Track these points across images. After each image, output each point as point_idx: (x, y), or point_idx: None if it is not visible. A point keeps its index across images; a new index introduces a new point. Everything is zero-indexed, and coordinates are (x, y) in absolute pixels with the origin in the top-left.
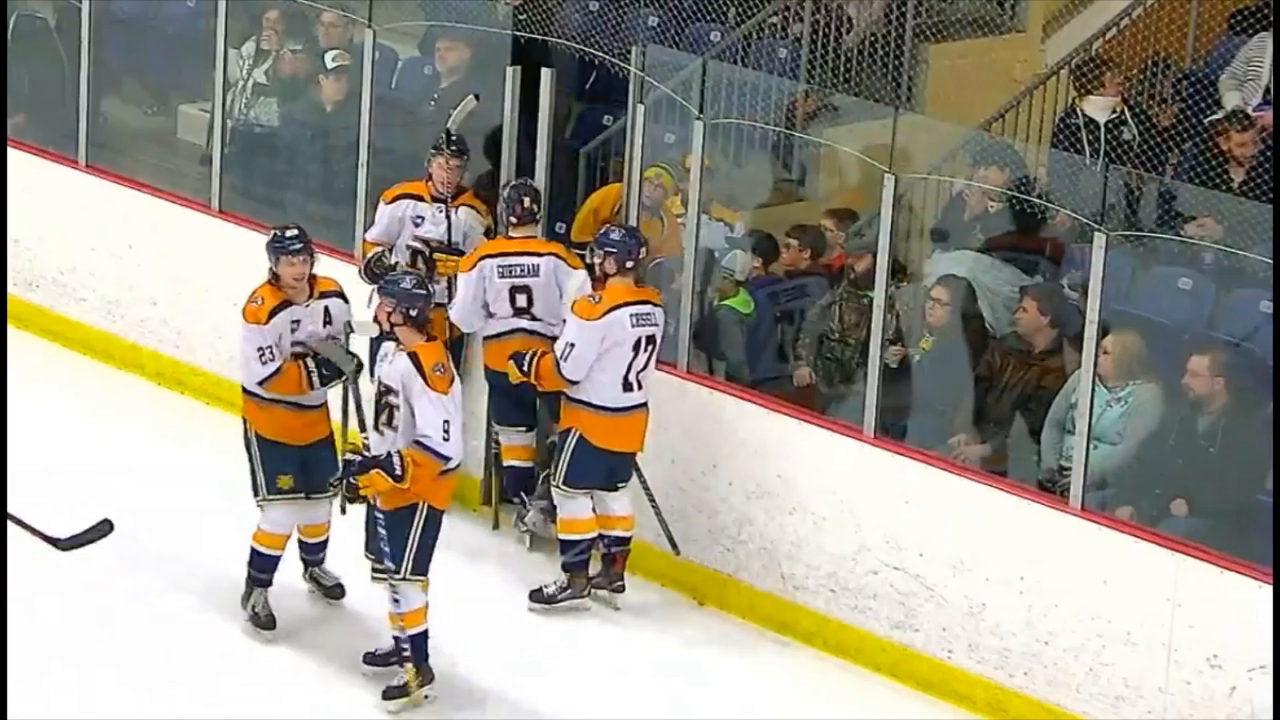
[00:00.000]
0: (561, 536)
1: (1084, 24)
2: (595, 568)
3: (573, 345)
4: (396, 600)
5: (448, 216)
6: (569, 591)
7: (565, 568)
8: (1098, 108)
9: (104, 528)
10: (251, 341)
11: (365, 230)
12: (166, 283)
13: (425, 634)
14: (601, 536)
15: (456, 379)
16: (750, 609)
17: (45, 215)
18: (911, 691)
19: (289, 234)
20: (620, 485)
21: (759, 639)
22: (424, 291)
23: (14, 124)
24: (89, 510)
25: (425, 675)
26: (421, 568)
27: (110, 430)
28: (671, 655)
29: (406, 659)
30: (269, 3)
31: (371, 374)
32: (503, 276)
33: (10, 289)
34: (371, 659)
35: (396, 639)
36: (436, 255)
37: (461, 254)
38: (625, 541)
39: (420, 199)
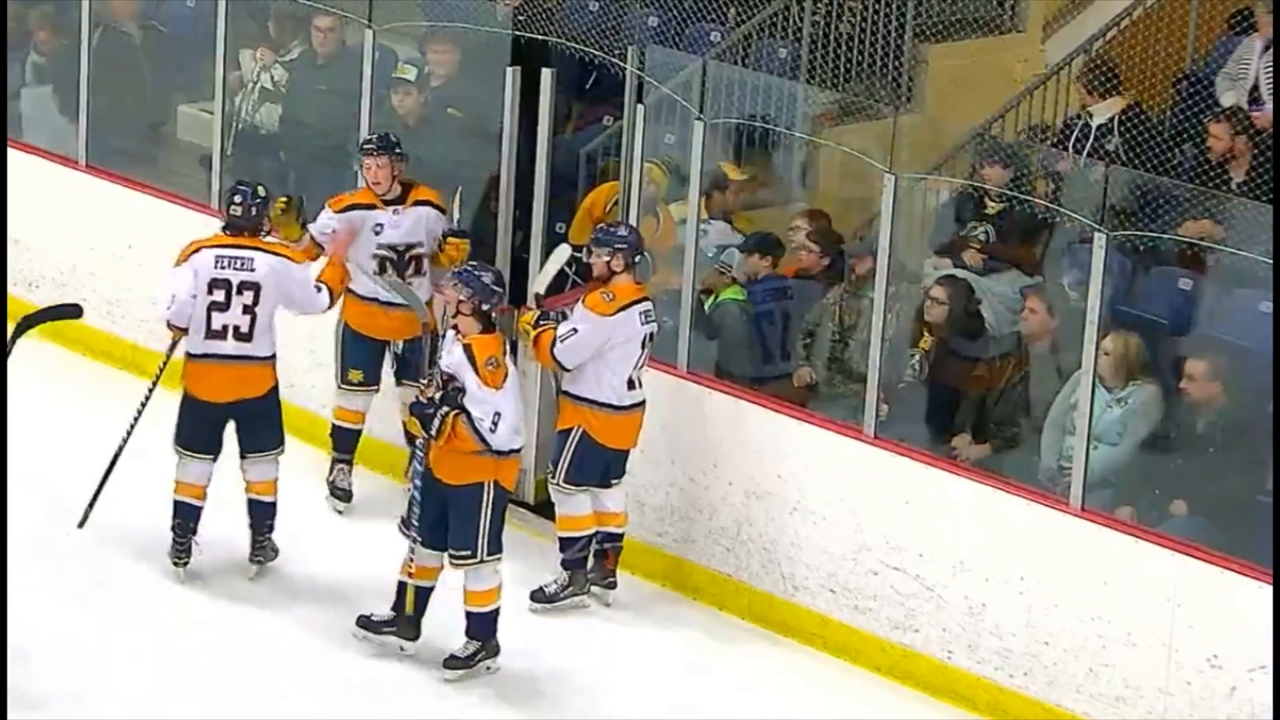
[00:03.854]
0: (561, 534)
1: (1084, 24)
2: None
3: (575, 332)
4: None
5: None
6: (570, 589)
7: (565, 565)
8: (1101, 112)
9: (73, 311)
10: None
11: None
12: None
13: (497, 611)
14: (595, 533)
15: (512, 371)
16: (750, 609)
17: (45, 215)
18: (911, 692)
19: None
20: (614, 482)
21: (759, 639)
22: (500, 289)
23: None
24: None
25: (492, 649)
26: (497, 546)
27: (110, 431)
28: (672, 655)
29: (475, 637)
30: (269, 3)
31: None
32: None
33: (10, 289)
34: (365, 622)
35: (469, 614)
36: (450, 240)
37: (466, 236)
38: (618, 538)
39: (372, 207)
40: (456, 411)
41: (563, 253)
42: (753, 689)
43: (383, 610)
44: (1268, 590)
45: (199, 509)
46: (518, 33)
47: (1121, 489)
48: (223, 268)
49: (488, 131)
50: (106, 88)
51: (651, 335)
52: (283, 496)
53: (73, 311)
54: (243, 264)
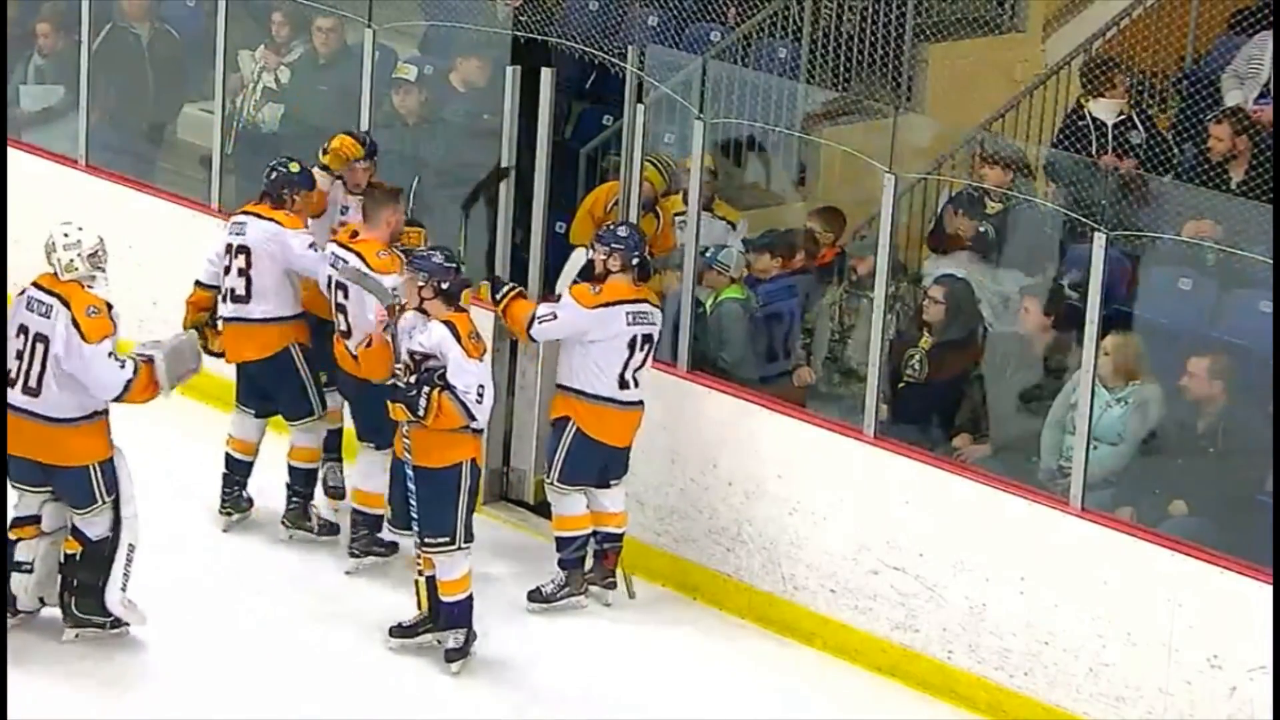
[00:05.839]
0: (557, 534)
1: (1084, 24)
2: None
3: (554, 316)
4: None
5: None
6: (567, 589)
7: (562, 565)
8: (1105, 109)
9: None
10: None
11: None
12: (166, 283)
13: (472, 597)
14: (594, 533)
15: (487, 349)
16: (750, 609)
17: (45, 215)
18: (911, 692)
19: None
20: (613, 482)
21: (759, 639)
22: (454, 265)
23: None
24: None
25: (472, 637)
26: (471, 534)
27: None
28: (671, 655)
29: (456, 625)
30: (270, 3)
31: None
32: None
33: (10, 289)
34: (400, 631)
35: (447, 604)
36: (406, 230)
37: (421, 226)
38: (617, 539)
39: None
40: (440, 388)
41: (579, 257)
42: (753, 689)
43: (408, 614)
44: (1268, 590)
45: (243, 463)
46: (518, 33)
47: (1121, 489)
48: (230, 232)
49: (488, 130)
50: (110, 87)
51: (648, 337)
52: (280, 496)
53: (505, 173)
54: (239, 229)
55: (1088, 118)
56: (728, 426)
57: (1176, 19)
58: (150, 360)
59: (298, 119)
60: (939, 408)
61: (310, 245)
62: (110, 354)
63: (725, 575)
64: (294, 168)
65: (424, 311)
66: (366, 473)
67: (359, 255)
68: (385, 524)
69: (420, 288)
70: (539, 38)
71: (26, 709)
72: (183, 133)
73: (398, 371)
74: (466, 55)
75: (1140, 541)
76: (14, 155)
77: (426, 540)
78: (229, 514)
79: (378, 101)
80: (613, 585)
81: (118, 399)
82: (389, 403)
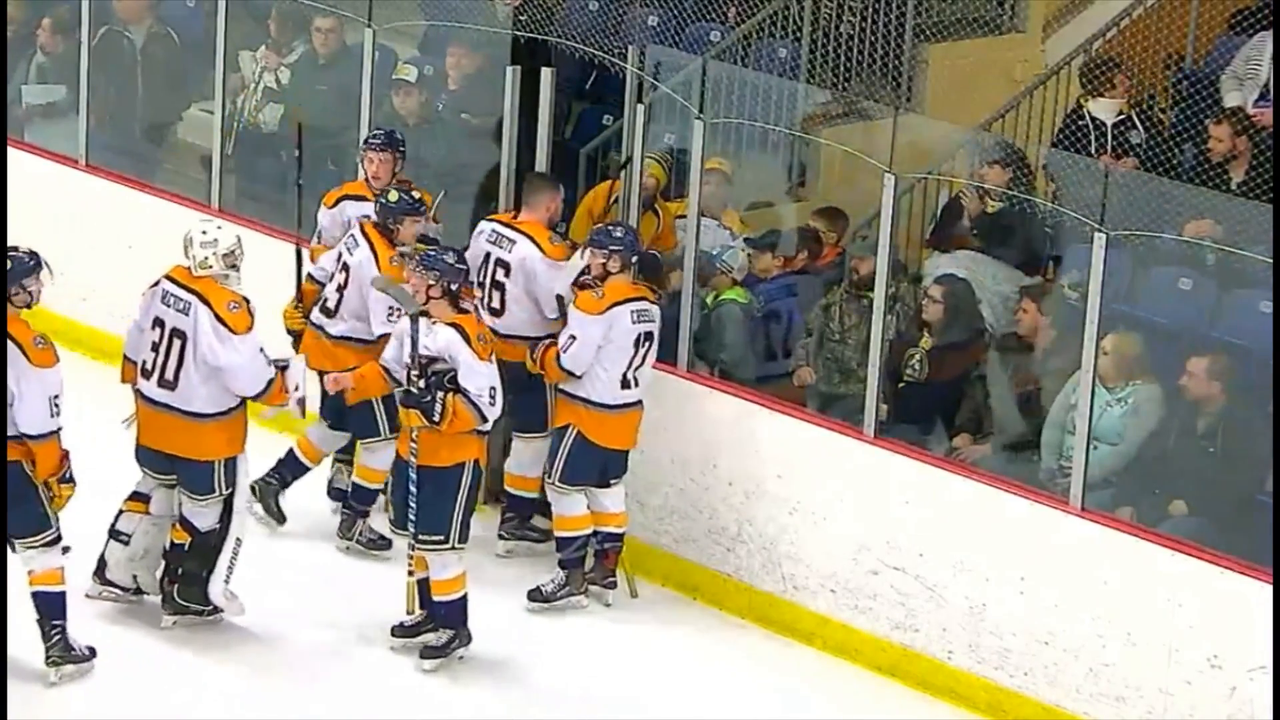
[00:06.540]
0: (558, 534)
1: (1084, 24)
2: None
3: (574, 338)
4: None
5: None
6: (567, 589)
7: (562, 565)
8: (1104, 109)
9: None
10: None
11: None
12: None
13: (465, 597)
14: (595, 533)
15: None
16: (750, 609)
17: (45, 215)
18: (911, 691)
19: None
20: (614, 482)
21: (759, 639)
22: (465, 266)
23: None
24: (90, 508)
25: (464, 637)
26: (466, 535)
27: (111, 430)
28: (671, 655)
29: (447, 626)
30: (269, 3)
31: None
32: None
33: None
34: (402, 631)
35: (438, 603)
36: (418, 247)
37: (436, 243)
38: (618, 538)
39: (363, 198)
40: (453, 392)
41: (580, 261)
42: (753, 689)
43: (404, 615)
44: (1268, 590)
45: (298, 463)
46: (518, 32)
47: (1121, 489)
48: (344, 244)
49: (488, 131)
50: (110, 87)
51: (649, 335)
52: (281, 497)
53: (626, 164)
54: (351, 245)
55: (1087, 118)
56: (728, 426)
57: (1176, 19)
58: (285, 368)
59: (298, 119)
60: (939, 408)
61: (388, 315)
62: (260, 349)
63: (725, 575)
64: (392, 197)
65: (425, 313)
66: (522, 460)
67: (530, 238)
68: (389, 524)
69: (429, 286)
70: (539, 38)
71: (21, 709)
72: (184, 134)
73: (413, 376)
74: (454, 50)
75: (1140, 541)
76: (14, 155)
77: (421, 538)
78: (255, 496)
79: (378, 102)
80: (613, 585)
81: (256, 396)
82: (400, 408)
